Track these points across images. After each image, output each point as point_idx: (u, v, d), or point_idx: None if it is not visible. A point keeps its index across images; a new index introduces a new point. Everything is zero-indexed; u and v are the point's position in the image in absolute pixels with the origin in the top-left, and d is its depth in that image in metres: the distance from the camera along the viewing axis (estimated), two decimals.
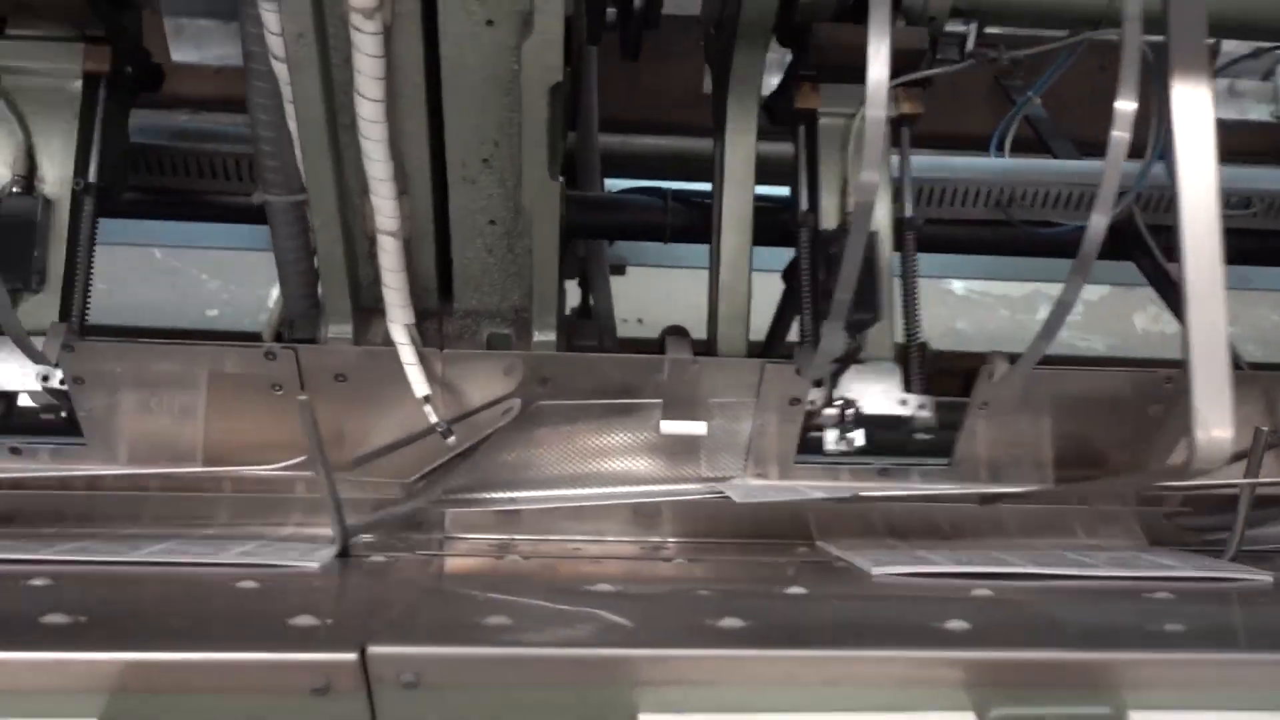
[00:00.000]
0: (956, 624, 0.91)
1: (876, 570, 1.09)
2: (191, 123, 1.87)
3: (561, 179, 1.14)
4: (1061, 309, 1.12)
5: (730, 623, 0.86)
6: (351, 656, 0.75)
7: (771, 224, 1.63)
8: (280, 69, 1.09)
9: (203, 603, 0.90)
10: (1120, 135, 1.01)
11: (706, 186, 1.74)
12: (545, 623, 0.88)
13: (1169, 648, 0.87)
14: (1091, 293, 3.39)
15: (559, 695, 0.79)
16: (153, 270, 3.24)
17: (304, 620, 0.83)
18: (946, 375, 3.23)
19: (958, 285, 3.41)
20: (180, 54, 2.16)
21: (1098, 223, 1.06)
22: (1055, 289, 3.69)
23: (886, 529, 1.33)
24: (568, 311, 1.69)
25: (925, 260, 3.70)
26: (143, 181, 1.78)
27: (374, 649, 0.76)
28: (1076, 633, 0.94)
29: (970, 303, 3.33)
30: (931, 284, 3.36)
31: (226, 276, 3.21)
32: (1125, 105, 1.00)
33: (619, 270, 2.56)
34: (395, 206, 1.12)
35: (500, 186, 1.15)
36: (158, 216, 1.91)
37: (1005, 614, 1.00)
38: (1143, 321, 3.42)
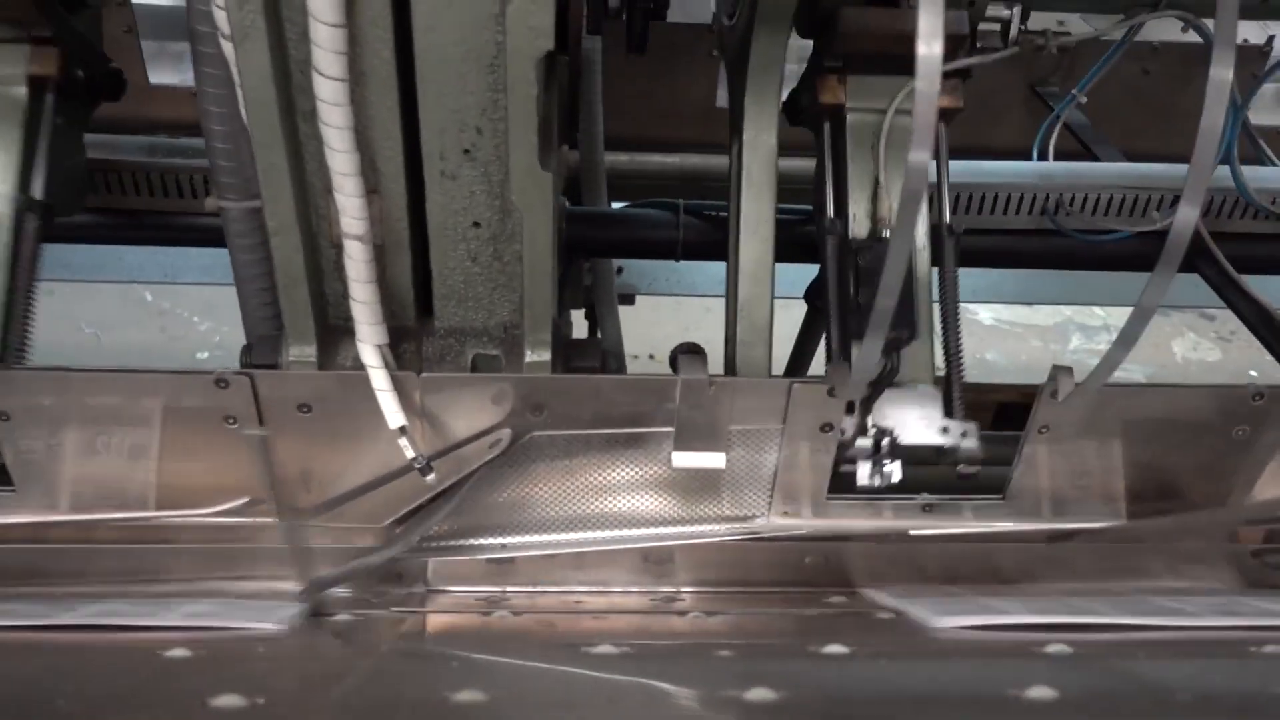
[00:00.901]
0: (1040, 691, 0.74)
1: (938, 621, 0.92)
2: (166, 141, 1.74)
3: (555, 174, 0.99)
4: (1141, 315, 0.96)
5: (759, 694, 0.69)
6: None
7: (792, 239, 1.48)
8: (231, 50, 0.95)
9: (112, 678, 0.74)
10: (1216, 106, 0.86)
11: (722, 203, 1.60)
12: (531, 697, 0.71)
13: None
14: (1125, 319, 3.21)
15: None
16: (143, 313, 3.12)
17: (227, 701, 0.66)
18: (977, 409, 3.04)
19: (985, 315, 3.26)
20: (158, 76, 2.05)
21: (1186, 215, 0.91)
22: (1088, 317, 3.50)
23: (939, 573, 1.15)
24: None
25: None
26: (115, 203, 1.66)
27: None
28: (1189, 701, 0.76)
29: (1000, 333, 3.17)
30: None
31: (218, 317, 3.09)
32: (1222, 72, 0.85)
33: (628, 300, 2.41)
34: (362, 205, 0.97)
35: (485, 182, 1.00)
36: (130, 241, 1.77)
37: (1094, 677, 0.82)
38: (1182, 349, 3.24)
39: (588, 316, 2.19)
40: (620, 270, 2.48)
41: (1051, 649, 0.90)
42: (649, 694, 0.71)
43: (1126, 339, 0.95)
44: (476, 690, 0.69)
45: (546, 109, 0.95)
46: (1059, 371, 1.08)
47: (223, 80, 1.02)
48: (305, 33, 0.89)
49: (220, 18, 0.92)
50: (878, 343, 0.95)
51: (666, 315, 2.81)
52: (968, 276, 3.55)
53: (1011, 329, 3.20)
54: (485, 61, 0.92)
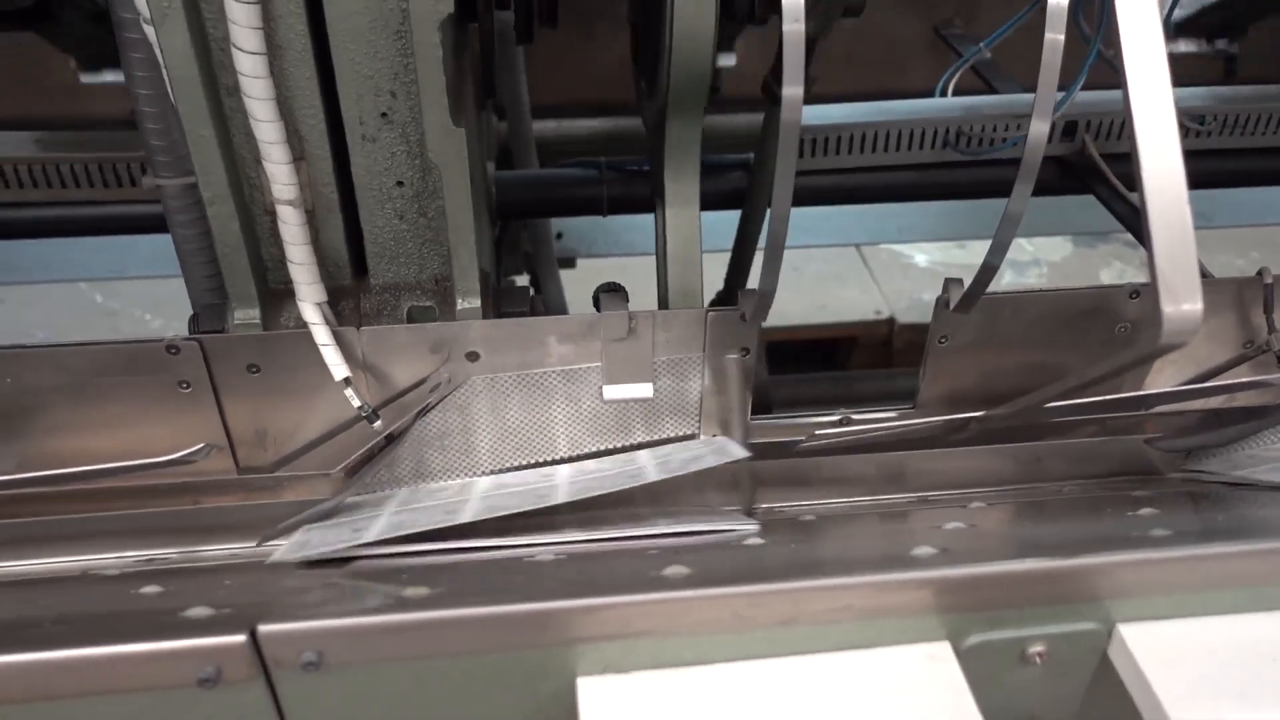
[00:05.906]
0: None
1: None
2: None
3: (475, 133, 1.06)
4: (1009, 222, 1.05)
5: (675, 570, 0.78)
6: (240, 639, 0.66)
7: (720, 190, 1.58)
8: (153, 33, 1.01)
9: (92, 605, 0.81)
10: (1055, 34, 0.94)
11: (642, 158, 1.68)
12: (473, 590, 0.79)
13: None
14: (1054, 251, 3.35)
15: (484, 664, 0.70)
16: (94, 314, 3.14)
17: (197, 611, 0.74)
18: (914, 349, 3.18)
19: (921, 258, 3.36)
20: (89, 76, 2.08)
21: (1039, 129, 0.99)
22: (1018, 253, 3.59)
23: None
24: None
25: (883, 226, 3.61)
26: (55, 196, 1.71)
27: (265, 628, 0.67)
28: None
29: (934, 274, 3.28)
30: (893, 257, 3.31)
31: (168, 314, 3.13)
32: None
33: (569, 263, 2.48)
34: (291, 172, 1.04)
35: (404, 143, 1.07)
36: (77, 233, 1.81)
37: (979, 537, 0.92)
38: (1109, 277, 3.37)
39: (532, 282, 2.27)
40: (560, 235, 2.55)
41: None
42: (578, 577, 0.80)
43: (999, 246, 1.04)
44: (423, 587, 0.77)
45: (455, 70, 1.02)
46: (950, 283, 1.17)
47: (149, 63, 1.07)
48: (222, 11, 0.95)
49: (140, 2, 0.98)
50: (776, 264, 1.04)
51: (611, 276, 2.89)
52: (895, 217, 3.66)
53: (946, 269, 3.31)
54: (393, 28, 0.99)
